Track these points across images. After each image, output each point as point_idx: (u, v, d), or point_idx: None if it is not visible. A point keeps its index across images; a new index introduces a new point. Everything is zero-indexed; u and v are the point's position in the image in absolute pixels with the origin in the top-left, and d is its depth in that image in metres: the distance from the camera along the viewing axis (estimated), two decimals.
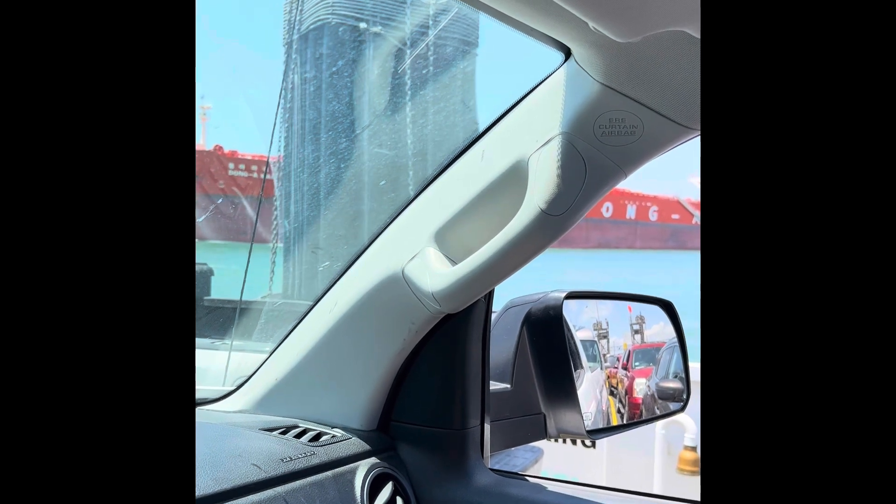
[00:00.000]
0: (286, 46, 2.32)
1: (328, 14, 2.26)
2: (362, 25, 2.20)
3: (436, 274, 0.95)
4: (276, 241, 2.24)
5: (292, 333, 1.15)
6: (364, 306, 1.05)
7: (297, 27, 2.29)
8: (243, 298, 1.46)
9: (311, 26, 2.28)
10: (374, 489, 1.01)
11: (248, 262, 1.39)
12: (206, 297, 3.42)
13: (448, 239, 0.98)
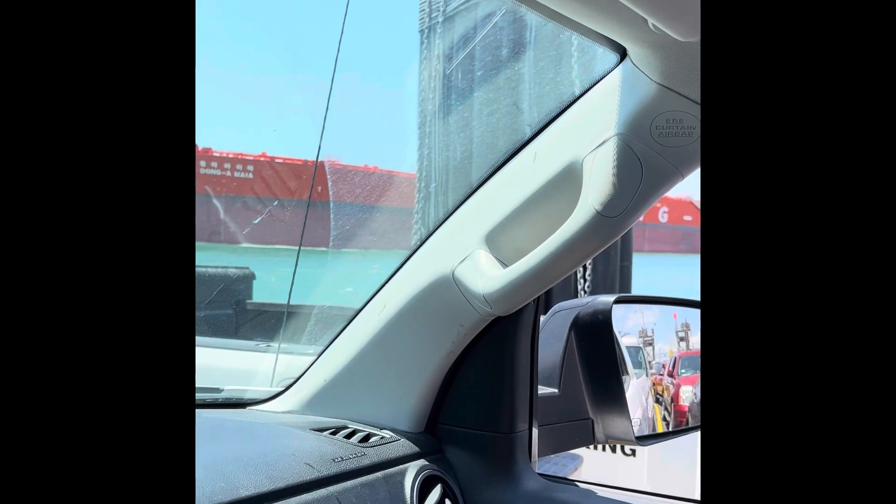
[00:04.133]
0: (423, 32, 2.02)
1: None
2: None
3: (487, 276, 0.95)
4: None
5: (341, 335, 1.16)
6: (413, 308, 1.06)
7: (441, 10, 2.00)
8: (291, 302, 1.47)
9: (459, 8, 1.98)
10: (423, 491, 1.01)
11: (296, 266, 1.40)
12: (248, 301, 3.47)
13: (499, 241, 0.98)
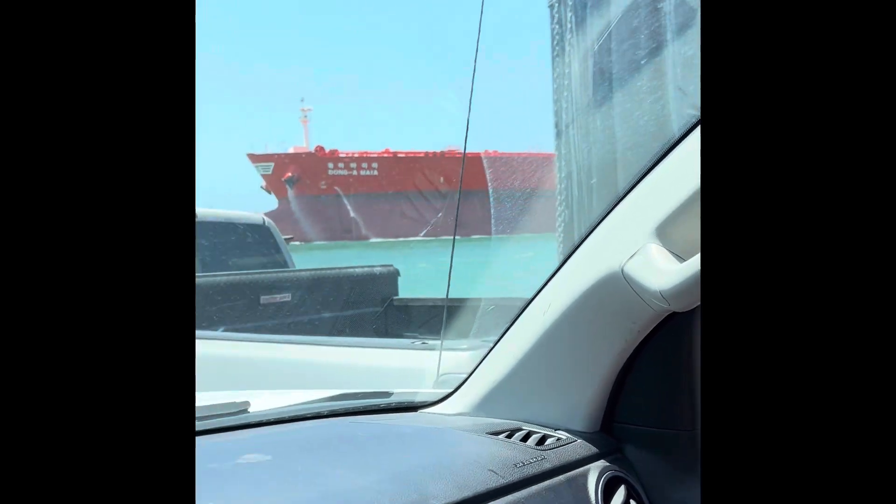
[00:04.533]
0: (552, 6, 1.87)
1: None
2: None
3: (663, 271, 0.90)
4: (560, 232, 1.99)
5: (506, 335, 1.15)
6: (581, 307, 1.03)
7: None
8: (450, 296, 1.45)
9: None
10: (607, 493, 0.98)
11: (452, 259, 1.40)
12: (394, 297, 3.57)
13: (672, 234, 0.93)
